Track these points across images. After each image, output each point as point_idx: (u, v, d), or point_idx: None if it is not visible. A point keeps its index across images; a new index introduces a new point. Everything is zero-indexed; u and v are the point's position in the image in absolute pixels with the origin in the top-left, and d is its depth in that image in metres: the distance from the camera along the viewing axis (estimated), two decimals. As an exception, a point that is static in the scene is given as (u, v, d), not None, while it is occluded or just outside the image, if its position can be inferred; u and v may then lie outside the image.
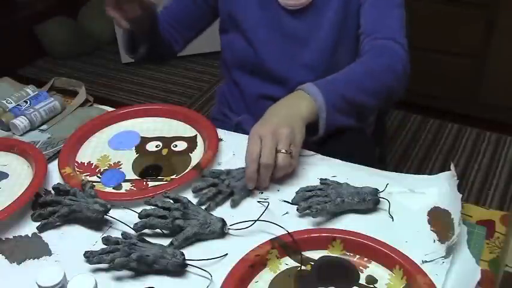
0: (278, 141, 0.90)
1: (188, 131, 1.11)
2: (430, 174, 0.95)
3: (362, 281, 0.78)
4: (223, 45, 1.28)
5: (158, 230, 0.87)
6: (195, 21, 1.28)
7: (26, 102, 1.17)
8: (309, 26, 1.15)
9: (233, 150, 1.04)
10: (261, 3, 1.17)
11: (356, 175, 0.95)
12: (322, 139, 1.04)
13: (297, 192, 0.91)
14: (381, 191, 0.89)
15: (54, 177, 0.99)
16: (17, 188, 0.96)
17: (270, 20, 1.17)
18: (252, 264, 0.79)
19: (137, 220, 0.86)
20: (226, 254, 0.82)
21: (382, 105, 1.14)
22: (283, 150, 0.89)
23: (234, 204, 0.91)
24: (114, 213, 0.88)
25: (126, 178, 1.00)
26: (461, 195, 0.85)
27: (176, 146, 1.07)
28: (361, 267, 0.80)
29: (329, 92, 0.97)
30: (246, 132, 1.22)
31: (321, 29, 1.14)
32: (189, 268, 0.80)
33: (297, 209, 0.88)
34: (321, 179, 0.93)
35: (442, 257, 0.80)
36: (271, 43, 1.18)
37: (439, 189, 0.91)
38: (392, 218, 0.88)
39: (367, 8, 1.13)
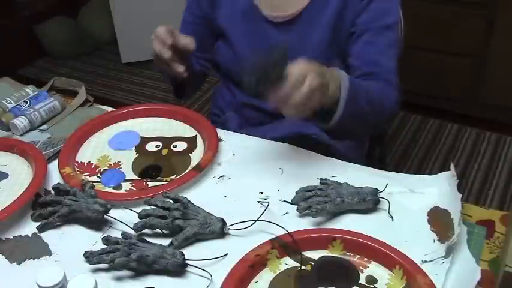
0: (312, 85, 0.85)
1: (188, 131, 1.10)
2: (430, 174, 0.95)
3: (362, 281, 0.78)
4: (216, 49, 1.28)
5: (158, 230, 0.87)
6: (208, 41, 1.24)
7: (26, 102, 1.17)
8: (294, 41, 1.11)
9: (233, 150, 1.04)
10: (245, 14, 1.14)
11: (356, 175, 0.95)
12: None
13: (297, 192, 0.91)
14: (380, 191, 0.89)
15: (54, 177, 0.99)
16: (17, 188, 0.96)
17: (255, 32, 1.14)
18: (252, 264, 0.79)
19: (137, 220, 0.86)
20: (226, 254, 0.82)
21: (362, 132, 1.11)
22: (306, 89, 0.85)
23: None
24: (114, 213, 0.88)
25: (126, 178, 1.00)
26: (461, 195, 0.85)
27: (176, 146, 1.07)
28: (361, 267, 0.80)
29: (351, 90, 0.96)
30: (230, 130, 1.20)
31: (307, 45, 1.11)
32: (189, 268, 0.80)
33: (297, 209, 0.88)
34: (321, 179, 0.93)
35: (442, 257, 0.80)
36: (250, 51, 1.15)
37: (439, 189, 0.91)
38: (392, 218, 0.88)
39: (362, 45, 1.09)
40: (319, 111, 0.96)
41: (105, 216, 0.88)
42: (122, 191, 0.97)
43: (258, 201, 0.91)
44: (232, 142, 1.06)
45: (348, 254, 0.82)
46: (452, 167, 0.91)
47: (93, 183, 0.95)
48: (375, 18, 1.09)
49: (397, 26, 1.13)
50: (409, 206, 0.90)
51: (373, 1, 1.08)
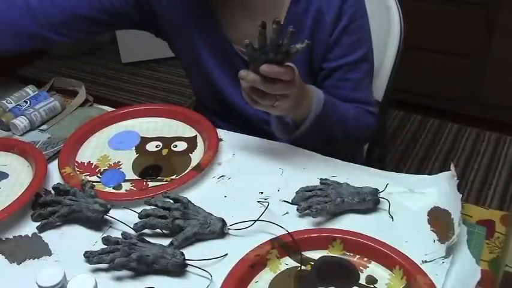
0: (289, 86, 0.86)
1: (188, 131, 1.10)
2: (430, 174, 0.95)
3: (362, 281, 0.78)
4: (188, 77, 1.25)
5: (158, 230, 0.87)
6: (90, 25, 1.15)
7: (26, 102, 1.17)
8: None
9: (233, 151, 1.04)
10: (217, 47, 1.11)
11: (356, 175, 0.95)
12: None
13: (297, 192, 0.91)
14: (380, 191, 0.89)
15: (54, 177, 0.99)
16: (17, 188, 0.96)
17: (227, 66, 1.11)
18: (252, 264, 0.79)
19: (137, 220, 0.86)
20: (226, 254, 0.82)
21: (325, 151, 1.08)
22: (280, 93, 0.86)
23: None
24: (114, 213, 0.88)
25: (126, 178, 1.00)
26: (461, 195, 0.85)
27: (176, 146, 1.07)
28: (361, 267, 0.80)
29: (323, 112, 0.97)
30: None
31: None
32: (189, 268, 0.80)
33: (297, 209, 0.88)
34: (321, 179, 0.93)
35: (442, 257, 0.80)
36: (231, 88, 1.13)
37: (439, 189, 0.91)
38: (392, 218, 0.88)
39: (334, 81, 1.08)
40: (285, 122, 0.99)
41: (105, 216, 0.88)
42: (122, 191, 0.97)
43: (258, 201, 0.91)
44: (232, 142, 1.06)
45: (348, 254, 0.82)
46: (452, 167, 0.91)
47: (93, 183, 0.95)
48: (346, 53, 1.07)
49: (370, 54, 1.11)
50: (409, 206, 0.90)
51: (344, 36, 1.05)
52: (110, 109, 1.18)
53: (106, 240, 0.81)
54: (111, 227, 0.89)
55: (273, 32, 0.80)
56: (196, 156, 1.03)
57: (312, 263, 0.81)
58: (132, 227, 0.85)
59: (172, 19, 1.13)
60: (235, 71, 1.02)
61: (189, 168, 1.00)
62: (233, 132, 1.09)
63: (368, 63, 1.10)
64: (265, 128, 1.14)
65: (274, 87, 0.85)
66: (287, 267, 0.81)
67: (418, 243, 0.83)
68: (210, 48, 1.12)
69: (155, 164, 1.03)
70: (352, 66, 1.08)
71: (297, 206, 0.88)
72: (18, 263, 0.84)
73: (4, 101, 1.17)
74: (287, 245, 0.81)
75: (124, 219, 0.87)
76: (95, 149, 1.07)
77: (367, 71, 1.11)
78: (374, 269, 0.80)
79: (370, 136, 1.15)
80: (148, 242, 0.82)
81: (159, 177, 1.00)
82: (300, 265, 0.80)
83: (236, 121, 1.19)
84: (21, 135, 1.12)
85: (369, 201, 0.88)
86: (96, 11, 1.12)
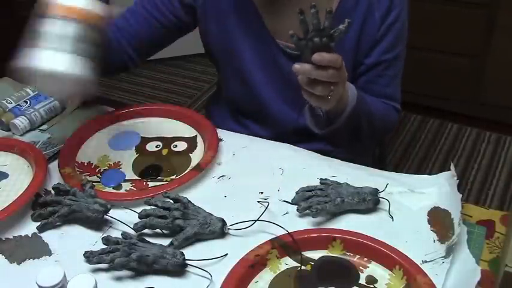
0: (337, 76, 0.87)
1: (188, 131, 1.10)
2: (430, 174, 0.95)
3: (362, 281, 0.78)
4: (219, 80, 1.24)
5: (158, 230, 0.87)
6: (158, 40, 1.16)
7: (26, 102, 1.17)
8: None
9: (233, 151, 1.04)
10: (258, 41, 1.08)
11: (356, 175, 0.95)
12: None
13: (297, 192, 0.91)
14: (380, 191, 0.89)
15: (54, 177, 0.99)
16: (17, 188, 0.96)
17: (267, 61, 1.09)
18: (252, 264, 0.79)
19: (137, 220, 0.86)
20: (226, 254, 0.82)
21: (348, 143, 1.12)
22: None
23: None
24: (114, 213, 0.88)
25: (126, 178, 1.00)
26: (461, 195, 0.85)
27: (176, 146, 1.07)
28: (361, 267, 0.80)
29: (356, 108, 0.99)
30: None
31: None
32: (189, 268, 0.80)
33: (297, 209, 0.88)
34: (321, 179, 0.93)
35: (442, 257, 0.80)
36: (267, 85, 1.11)
37: (439, 189, 0.91)
38: (392, 218, 0.88)
39: (371, 77, 1.09)
40: (317, 115, 0.99)
41: (105, 216, 0.88)
42: (122, 191, 0.97)
43: (258, 201, 0.91)
44: (232, 142, 1.06)
45: (348, 254, 0.82)
46: (452, 167, 0.91)
47: (93, 183, 0.95)
48: (388, 50, 1.07)
49: (405, 51, 1.12)
50: (409, 206, 0.90)
51: (389, 32, 1.06)
52: (110, 109, 1.18)
53: (106, 240, 0.81)
54: (111, 227, 0.89)
55: (312, 17, 0.81)
56: (196, 156, 1.03)
57: (312, 263, 0.81)
58: (132, 227, 0.85)
59: (211, 14, 1.10)
60: (274, 67, 1.04)
61: (189, 168, 1.00)
62: (233, 132, 1.09)
63: (403, 61, 1.11)
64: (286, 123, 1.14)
65: (327, 74, 0.85)
66: (287, 267, 0.81)
67: (418, 243, 0.83)
68: (249, 43, 1.10)
69: (155, 164, 1.03)
70: (389, 62, 1.08)
71: (297, 206, 0.88)
72: (18, 263, 0.84)
73: (4, 101, 1.17)
74: (287, 245, 0.81)
75: (124, 219, 0.87)
76: (95, 149, 1.07)
77: (400, 68, 1.11)
78: (374, 269, 0.80)
79: (390, 131, 1.18)
80: (149, 242, 0.82)
81: (159, 177, 1.00)
82: (300, 265, 0.80)
83: (264, 122, 1.17)
84: (21, 135, 1.12)
85: (369, 201, 0.88)
86: (159, 28, 1.12)
